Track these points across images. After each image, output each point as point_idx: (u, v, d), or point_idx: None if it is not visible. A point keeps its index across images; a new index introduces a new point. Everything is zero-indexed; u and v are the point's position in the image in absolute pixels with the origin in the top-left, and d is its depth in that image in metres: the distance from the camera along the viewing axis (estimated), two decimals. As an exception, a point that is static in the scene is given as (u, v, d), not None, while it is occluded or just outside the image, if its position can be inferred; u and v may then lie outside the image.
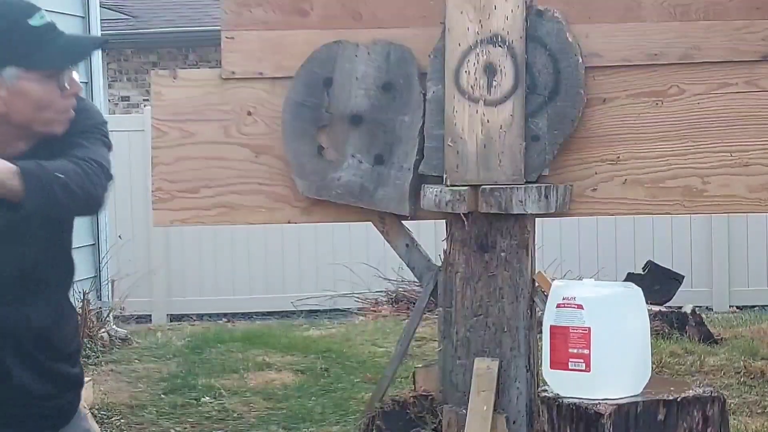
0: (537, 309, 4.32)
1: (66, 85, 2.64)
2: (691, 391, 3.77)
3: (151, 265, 10.55)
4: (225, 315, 10.70)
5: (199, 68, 15.03)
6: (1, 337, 2.65)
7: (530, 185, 4.20)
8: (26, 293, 2.68)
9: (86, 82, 8.72)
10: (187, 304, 10.78)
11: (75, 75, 2.68)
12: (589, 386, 3.69)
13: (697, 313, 8.50)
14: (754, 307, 10.30)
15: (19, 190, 2.47)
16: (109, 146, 2.77)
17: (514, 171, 4.22)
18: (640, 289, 3.77)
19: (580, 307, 3.65)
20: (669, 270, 9.30)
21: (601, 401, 3.65)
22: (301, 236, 10.55)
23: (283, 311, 10.61)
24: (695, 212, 4.41)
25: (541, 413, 3.81)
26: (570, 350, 3.67)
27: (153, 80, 4.60)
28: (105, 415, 6.35)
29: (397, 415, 4.55)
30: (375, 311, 9.99)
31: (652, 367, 3.82)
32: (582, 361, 3.66)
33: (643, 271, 9.03)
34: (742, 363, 7.37)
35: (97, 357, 7.93)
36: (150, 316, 10.60)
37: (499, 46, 4.24)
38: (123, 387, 6.98)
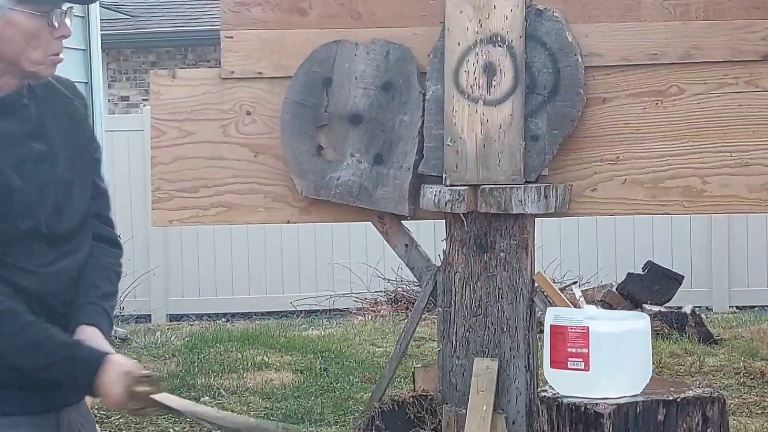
0: (537, 309, 4.32)
1: (56, 24, 2.64)
2: (690, 392, 3.76)
3: (150, 265, 10.55)
4: (224, 315, 10.70)
5: (198, 68, 15.02)
6: None
7: (530, 185, 4.19)
8: None
9: (86, 83, 8.70)
10: (186, 304, 10.78)
11: (67, 20, 2.68)
12: (589, 386, 3.68)
13: (697, 313, 8.50)
14: (754, 307, 10.29)
15: None
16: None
17: (514, 171, 4.22)
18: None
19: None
20: (669, 270, 9.28)
21: (600, 401, 3.64)
22: (300, 236, 10.55)
23: (282, 311, 10.61)
24: (695, 212, 4.40)
25: (540, 413, 3.80)
26: (569, 349, 3.67)
27: (152, 80, 4.59)
28: (104, 414, 6.34)
29: (396, 415, 4.54)
30: (374, 311, 9.98)
31: (652, 368, 3.82)
32: (581, 360, 3.65)
33: (643, 271, 9.01)
34: (741, 363, 7.36)
35: (96, 357, 7.92)
36: (149, 315, 10.60)
37: (499, 45, 4.23)
38: (122, 387, 6.96)
